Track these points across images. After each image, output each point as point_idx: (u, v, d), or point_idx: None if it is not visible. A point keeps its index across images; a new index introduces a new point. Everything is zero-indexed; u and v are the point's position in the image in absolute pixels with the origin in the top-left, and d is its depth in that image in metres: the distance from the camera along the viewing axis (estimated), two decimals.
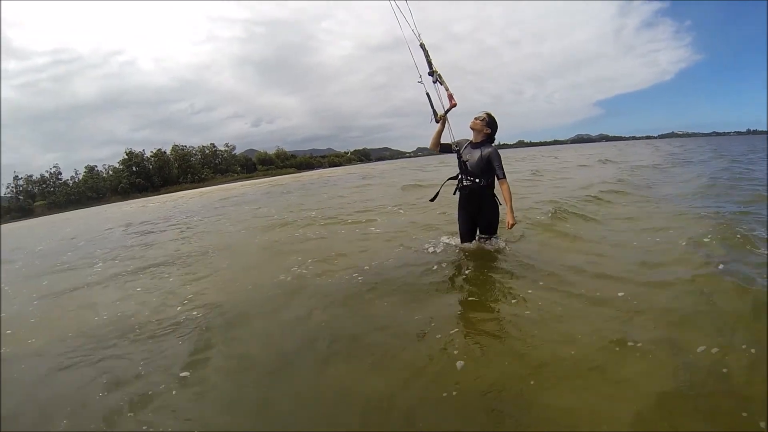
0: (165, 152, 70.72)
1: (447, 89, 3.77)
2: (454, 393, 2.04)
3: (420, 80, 3.80)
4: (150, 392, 2.40)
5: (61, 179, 64.69)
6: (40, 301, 5.04)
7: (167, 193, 53.17)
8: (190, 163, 72.85)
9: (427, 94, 3.83)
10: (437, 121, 3.87)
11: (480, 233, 4.18)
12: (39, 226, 25.67)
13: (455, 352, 2.41)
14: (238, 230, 8.61)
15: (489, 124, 3.93)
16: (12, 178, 61.43)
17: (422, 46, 3.80)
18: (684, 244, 4.05)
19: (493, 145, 3.96)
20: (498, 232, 4.18)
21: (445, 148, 4.05)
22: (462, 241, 4.27)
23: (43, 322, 4.16)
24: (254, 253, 6.01)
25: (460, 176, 4.05)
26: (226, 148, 79.17)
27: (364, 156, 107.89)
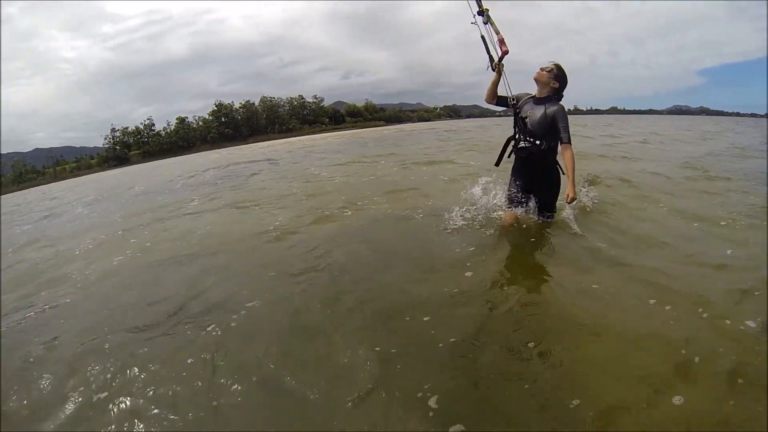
0: (253, 103, 75.34)
1: (497, 32, 3.34)
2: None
3: (473, 21, 3.42)
4: None
5: (154, 130, 71.29)
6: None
7: (255, 142, 56.78)
8: (278, 113, 76.56)
9: (482, 36, 3.44)
10: (493, 69, 3.48)
11: (538, 212, 3.72)
12: (136, 172, 28.96)
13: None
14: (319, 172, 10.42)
15: (557, 77, 3.43)
16: (109, 131, 69.28)
17: None
18: None
19: (560, 102, 3.48)
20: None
21: (502, 102, 3.63)
22: (507, 206, 3.77)
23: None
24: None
25: (516, 136, 3.63)
26: (315, 100, 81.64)
27: (453, 112, 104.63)
